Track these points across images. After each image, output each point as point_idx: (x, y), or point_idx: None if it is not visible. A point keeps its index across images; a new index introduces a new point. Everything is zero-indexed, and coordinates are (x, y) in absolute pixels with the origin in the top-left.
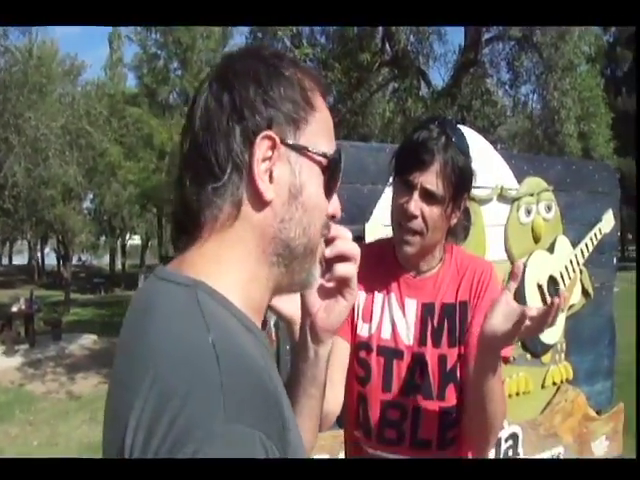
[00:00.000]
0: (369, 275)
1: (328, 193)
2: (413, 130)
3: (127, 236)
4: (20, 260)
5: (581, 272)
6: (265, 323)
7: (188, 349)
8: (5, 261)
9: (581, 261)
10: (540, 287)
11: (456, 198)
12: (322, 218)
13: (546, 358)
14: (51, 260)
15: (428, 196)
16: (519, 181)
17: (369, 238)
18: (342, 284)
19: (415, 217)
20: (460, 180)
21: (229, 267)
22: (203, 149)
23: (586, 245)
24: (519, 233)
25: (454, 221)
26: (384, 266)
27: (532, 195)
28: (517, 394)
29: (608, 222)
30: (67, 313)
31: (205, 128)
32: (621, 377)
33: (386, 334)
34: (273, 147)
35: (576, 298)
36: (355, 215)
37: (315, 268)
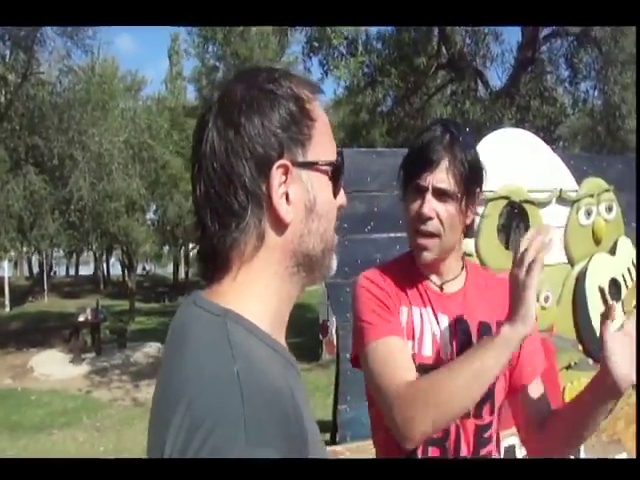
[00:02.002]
0: (402, 290)
1: (336, 194)
2: (417, 135)
3: (190, 245)
4: (86, 271)
5: None
6: (326, 330)
7: (215, 381)
8: (72, 272)
9: None
10: (602, 290)
11: (469, 193)
12: (334, 217)
13: None
14: (116, 270)
15: (441, 195)
16: (578, 182)
17: None
18: None
19: (431, 219)
20: (470, 174)
21: (257, 293)
22: (219, 190)
23: None
24: (579, 235)
25: (470, 219)
26: (410, 281)
27: (592, 196)
28: None
29: None
30: (132, 322)
31: (218, 169)
32: None
33: (427, 351)
34: (286, 172)
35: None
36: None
37: (332, 260)
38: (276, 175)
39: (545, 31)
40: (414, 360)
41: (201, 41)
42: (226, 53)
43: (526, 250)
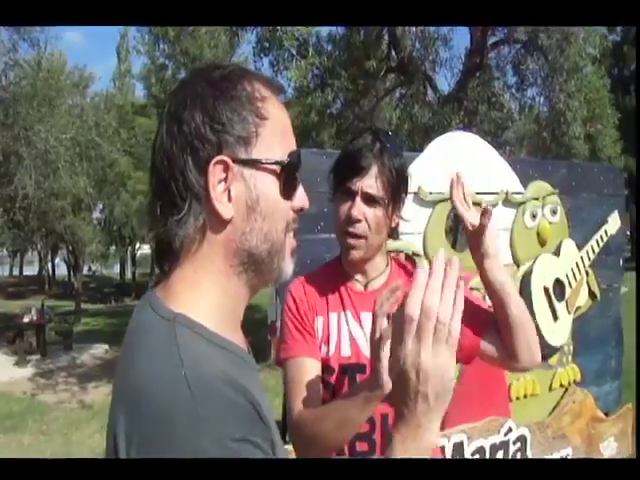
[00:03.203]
0: (322, 298)
1: (288, 194)
2: (349, 141)
3: (137, 245)
4: (31, 271)
5: (587, 274)
6: (275, 331)
7: (164, 384)
8: (16, 272)
9: (587, 263)
10: (547, 290)
11: (395, 199)
12: (284, 219)
13: (553, 360)
14: (62, 270)
15: (369, 200)
16: (524, 185)
17: None
18: None
19: (359, 221)
20: (397, 181)
21: (205, 290)
22: (165, 184)
23: (592, 247)
24: (525, 237)
25: (395, 222)
26: (335, 285)
27: (537, 199)
28: (525, 397)
29: (614, 224)
30: (78, 323)
31: (164, 162)
32: (629, 376)
33: (346, 352)
34: (226, 169)
35: (583, 300)
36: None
37: (285, 263)
38: (214, 171)
39: (493, 38)
40: (334, 361)
41: (152, 39)
42: (176, 51)
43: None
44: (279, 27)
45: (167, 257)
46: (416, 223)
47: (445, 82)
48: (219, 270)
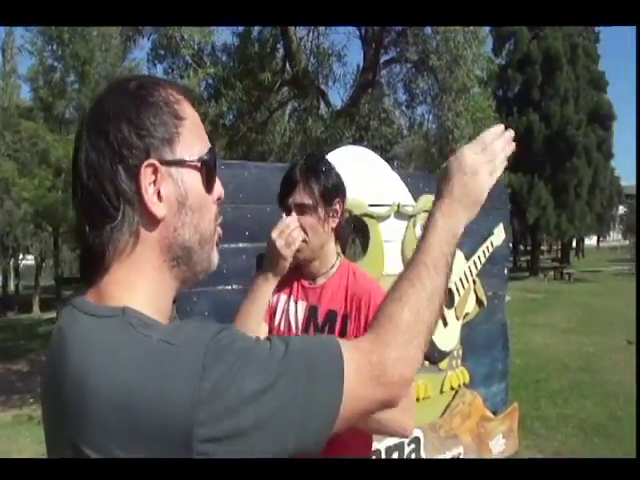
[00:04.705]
0: (286, 282)
1: (210, 187)
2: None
3: (20, 256)
4: None
5: (475, 283)
6: None
7: (148, 355)
8: None
9: (474, 272)
10: None
11: (325, 204)
12: (211, 209)
13: (443, 364)
14: None
15: (300, 209)
16: (415, 198)
17: None
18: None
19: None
20: (324, 190)
21: (140, 288)
22: (95, 196)
23: (479, 257)
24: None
25: (335, 222)
26: (295, 276)
27: (427, 212)
28: (417, 399)
29: (499, 235)
30: None
31: (92, 176)
32: (513, 379)
33: (282, 327)
34: (155, 171)
35: (470, 307)
36: (258, 233)
37: (213, 253)
38: (145, 175)
39: (385, 56)
40: (275, 331)
41: (44, 39)
42: (65, 53)
43: None
44: (176, 35)
45: (95, 266)
46: None
47: (338, 97)
48: (153, 267)
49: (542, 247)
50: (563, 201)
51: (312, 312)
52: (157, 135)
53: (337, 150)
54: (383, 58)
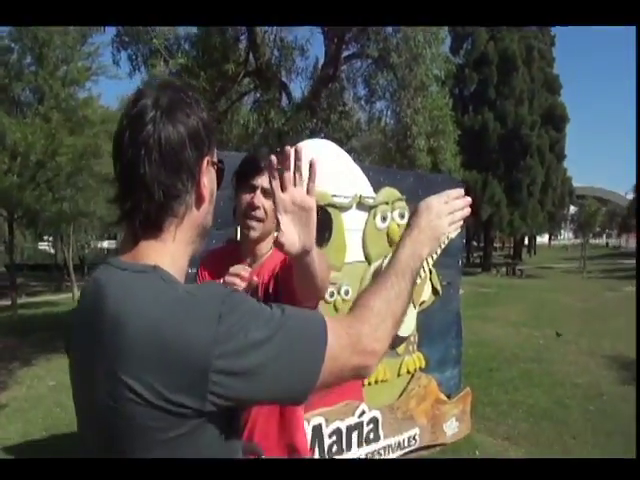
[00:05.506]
0: (221, 267)
1: (219, 185)
2: (252, 150)
3: None
4: None
5: (431, 272)
6: None
7: (176, 302)
8: None
9: (431, 263)
10: None
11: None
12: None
13: (401, 349)
14: None
15: (266, 193)
16: (376, 191)
17: None
18: None
19: (259, 208)
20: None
21: (169, 254)
22: (168, 171)
23: None
24: (376, 237)
25: None
26: (231, 260)
27: (387, 203)
28: (376, 382)
29: None
30: None
31: (166, 155)
32: (466, 367)
33: None
34: (207, 165)
35: (426, 295)
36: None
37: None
38: (205, 165)
39: (347, 52)
40: None
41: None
42: (23, 34)
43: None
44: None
45: (147, 229)
46: None
47: (299, 90)
48: (183, 238)
49: (495, 244)
50: (516, 199)
51: (253, 290)
52: (212, 138)
53: (301, 143)
54: (344, 53)
